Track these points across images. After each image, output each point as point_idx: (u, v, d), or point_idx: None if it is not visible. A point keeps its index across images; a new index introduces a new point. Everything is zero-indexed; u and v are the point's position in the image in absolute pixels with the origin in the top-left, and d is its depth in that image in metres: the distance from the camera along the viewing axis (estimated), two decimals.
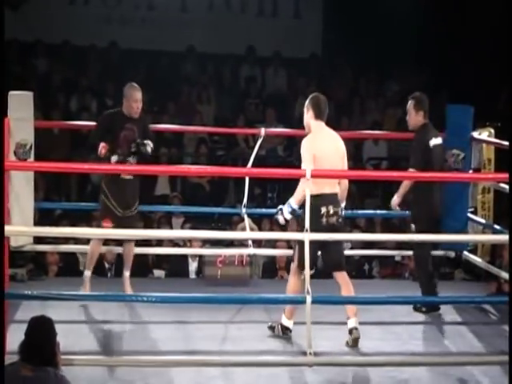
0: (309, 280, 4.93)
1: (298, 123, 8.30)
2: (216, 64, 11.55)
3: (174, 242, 7.67)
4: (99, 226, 5.84)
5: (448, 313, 5.98)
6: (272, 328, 5.38)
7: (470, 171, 6.63)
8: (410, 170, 5.93)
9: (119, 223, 5.76)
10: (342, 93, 11.47)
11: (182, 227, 8.18)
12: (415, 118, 6.02)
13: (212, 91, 11.10)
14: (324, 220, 5.12)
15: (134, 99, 5.82)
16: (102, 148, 5.70)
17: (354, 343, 5.21)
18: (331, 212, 5.15)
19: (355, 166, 9.90)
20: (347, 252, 7.25)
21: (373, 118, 10.82)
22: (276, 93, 11.23)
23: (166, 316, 5.60)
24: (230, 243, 7.43)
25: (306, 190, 4.91)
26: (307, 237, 4.93)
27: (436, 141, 6.01)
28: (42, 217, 7.69)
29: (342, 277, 5.29)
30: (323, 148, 5.21)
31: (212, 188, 9.80)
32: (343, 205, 5.38)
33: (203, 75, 11.43)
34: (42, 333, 3.53)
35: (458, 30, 11.16)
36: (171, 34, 11.51)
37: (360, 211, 7.79)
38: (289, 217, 5.22)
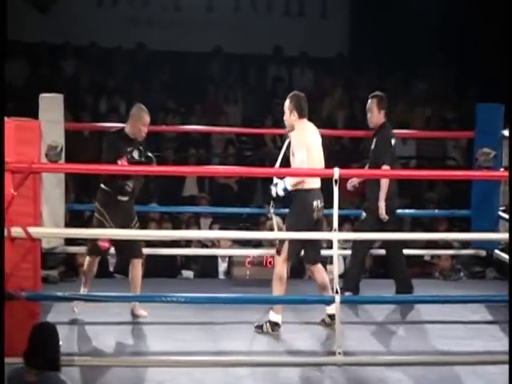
0: (337, 279, 4.94)
1: (326, 123, 8.29)
2: (243, 64, 11.56)
3: (202, 243, 7.69)
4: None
5: (479, 311, 5.95)
6: (260, 327, 5.40)
7: (501, 170, 6.58)
8: (385, 167, 5.97)
9: (118, 242, 5.58)
10: (369, 92, 11.42)
11: (210, 228, 8.20)
12: (378, 116, 6.19)
13: (239, 91, 11.11)
14: (315, 214, 5.31)
15: (144, 122, 5.65)
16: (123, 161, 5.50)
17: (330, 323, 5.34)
18: (319, 206, 5.36)
19: None
20: (376, 251, 7.27)
21: (400, 116, 10.77)
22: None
23: (195, 316, 5.62)
24: (258, 243, 7.44)
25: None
26: (336, 236, 4.96)
27: (395, 140, 6.20)
28: (73, 218, 7.76)
29: (318, 269, 5.46)
30: (312, 141, 5.48)
31: (240, 188, 9.82)
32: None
33: (230, 76, 11.45)
34: (44, 338, 3.62)
35: (486, 26, 11.06)
36: (198, 35, 11.54)
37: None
38: (281, 193, 5.41)
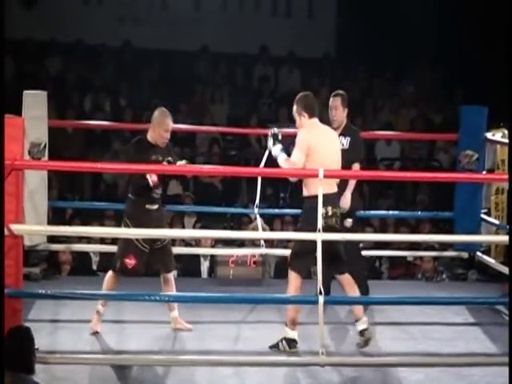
0: (321, 280, 4.93)
1: None
2: (229, 63, 11.55)
3: (186, 242, 7.67)
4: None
5: (461, 313, 5.97)
6: (275, 346, 5.15)
7: (484, 172, 6.60)
8: (357, 164, 5.98)
9: (146, 259, 5.33)
10: (355, 93, 11.45)
11: (194, 227, 8.18)
12: (342, 114, 6.05)
13: (225, 91, 11.10)
14: (324, 222, 4.97)
15: (166, 128, 5.31)
16: (153, 178, 5.16)
17: (365, 344, 5.19)
18: (329, 213, 5.10)
19: (368, 167, 9.88)
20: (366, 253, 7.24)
21: (386, 118, 10.80)
22: (289, 92, 11.21)
23: (179, 315, 5.60)
24: (242, 243, 7.44)
25: (318, 189, 4.92)
26: (320, 237, 4.93)
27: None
28: (56, 215, 7.71)
29: (345, 278, 5.24)
30: (319, 142, 5.15)
31: (224, 188, 9.81)
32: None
33: (216, 75, 11.44)
34: (19, 342, 3.61)
35: (473, 29, 11.11)
36: (185, 34, 11.51)
37: (373, 212, 7.77)
38: (274, 152, 5.20)
